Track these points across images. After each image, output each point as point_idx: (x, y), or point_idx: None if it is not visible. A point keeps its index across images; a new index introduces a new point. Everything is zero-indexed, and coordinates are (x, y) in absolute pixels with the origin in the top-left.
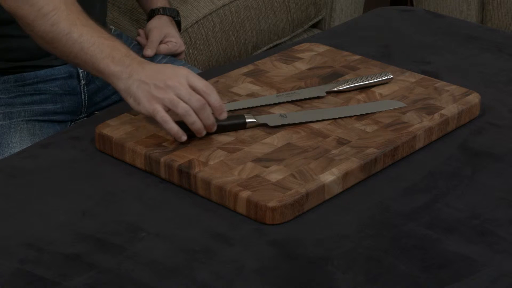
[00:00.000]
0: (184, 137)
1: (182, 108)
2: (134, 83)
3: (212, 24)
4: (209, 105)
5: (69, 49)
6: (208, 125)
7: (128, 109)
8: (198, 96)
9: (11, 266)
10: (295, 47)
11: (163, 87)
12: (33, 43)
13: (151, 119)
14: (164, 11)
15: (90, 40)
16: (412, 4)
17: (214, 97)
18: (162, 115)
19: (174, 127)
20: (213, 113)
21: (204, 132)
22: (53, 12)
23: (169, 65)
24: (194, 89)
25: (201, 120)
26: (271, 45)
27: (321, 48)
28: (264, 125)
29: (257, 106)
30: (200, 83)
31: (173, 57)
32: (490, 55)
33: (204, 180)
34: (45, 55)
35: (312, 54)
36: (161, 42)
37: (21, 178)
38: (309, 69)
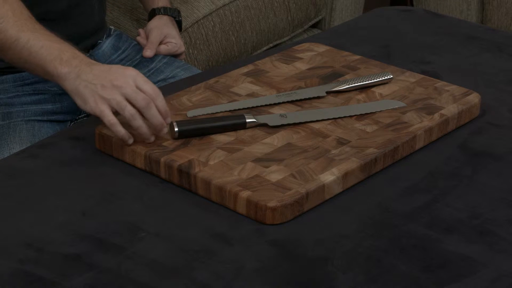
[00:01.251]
0: (130, 140)
1: (128, 111)
2: (82, 83)
3: (212, 24)
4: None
5: (18, 55)
6: (156, 125)
7: None
8: (144, 95)
9: (11, 266)
10: (295, 47)
11: (110, 87)
12: None
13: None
14: (165, 11)
15: (38, 44)
16: (412, 4)
17: (160, 101)
18: (109, 119)
19: (121, 131)
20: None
21: (152, 138)
22: (0, 20)
23: (118, 66)
24: (141, 91)
25: (148, 119)
26: (271, 45)
27: (321, 48)
28: (264, 125)
29: (257, 106)
30: (147, 85)
31: (173, 57)
32: (490, 55)
33: (204, 180)
34: None
35: (312, 54)
36: (161, 43)
37: (21, 178)
38: (309, 69)
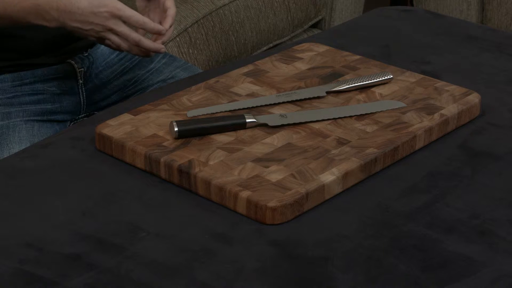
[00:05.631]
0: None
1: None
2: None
3: (212, 24)
4: (153, 32)
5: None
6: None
7: (128, 109)
8: (132, 40)
9: (11, 266)
10: (295, 47)
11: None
12: (28, 42)
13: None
14: None
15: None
16: (412, 4)
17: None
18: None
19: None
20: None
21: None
22: None
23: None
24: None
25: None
26: (271, 45)
27: (321, 48)
28: (264, 125)
29: (257, 106)
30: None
31: (172, 57)
32: (490, 55)
33: (204, 180)
34: (42, 54)
35: (312, 54)
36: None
37: (21, 178)
38: (309, 69)
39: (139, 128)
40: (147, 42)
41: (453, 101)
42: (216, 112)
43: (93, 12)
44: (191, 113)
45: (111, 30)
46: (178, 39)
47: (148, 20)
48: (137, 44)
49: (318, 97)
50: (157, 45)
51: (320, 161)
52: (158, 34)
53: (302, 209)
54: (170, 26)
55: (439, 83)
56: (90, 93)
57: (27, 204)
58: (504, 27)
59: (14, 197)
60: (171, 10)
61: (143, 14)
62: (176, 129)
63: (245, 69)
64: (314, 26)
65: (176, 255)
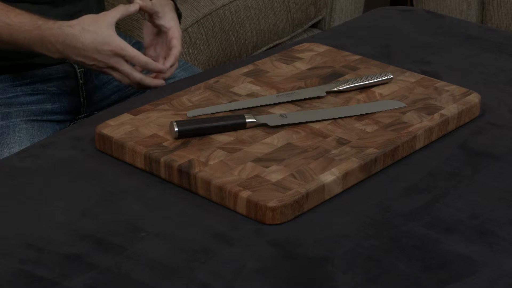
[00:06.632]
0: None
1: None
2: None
3: (212, 24)
4: (154, 71)
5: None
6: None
7: (128, 109)
8: (133, 75)
9: (11, 266)
10: (295, 47)
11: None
12: None
13: (150, 119)
14: None
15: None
16: (412, 4)
17: (154, 65)
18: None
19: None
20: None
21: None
22: None
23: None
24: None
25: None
26: (271, 45)
27: (321, 48)
28: (264, 125)
29: (257, 106)
30: (139, 59)
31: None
32: (490, 55)
33: (204, 180)
34: (42, 54)
35: (312, 54)
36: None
37: (21, 178)
38: (309, 69)
39: (139, 128)
40: (148, 81)
41: (453, 101)
42: (216, 112)
43: (96, 49)
44: (191, 113)
45: (113, 68)
46: None
47: (150, 61)
48: (139, 83)
49: (318, 97)
50: (157, 81)
51: (320, 161)
52: (159, 73)
53: (302, 209)
54: (172, 66)
55: (439, 83)
56: (90, 93)
57: (27, 204)
58: (504, 27)
59: (14, 197)
60: (176, 49)
61: (150, 47)
62: (176, 129)
63: (245, 69)
64: (314, 26)
65: (176, 255)
